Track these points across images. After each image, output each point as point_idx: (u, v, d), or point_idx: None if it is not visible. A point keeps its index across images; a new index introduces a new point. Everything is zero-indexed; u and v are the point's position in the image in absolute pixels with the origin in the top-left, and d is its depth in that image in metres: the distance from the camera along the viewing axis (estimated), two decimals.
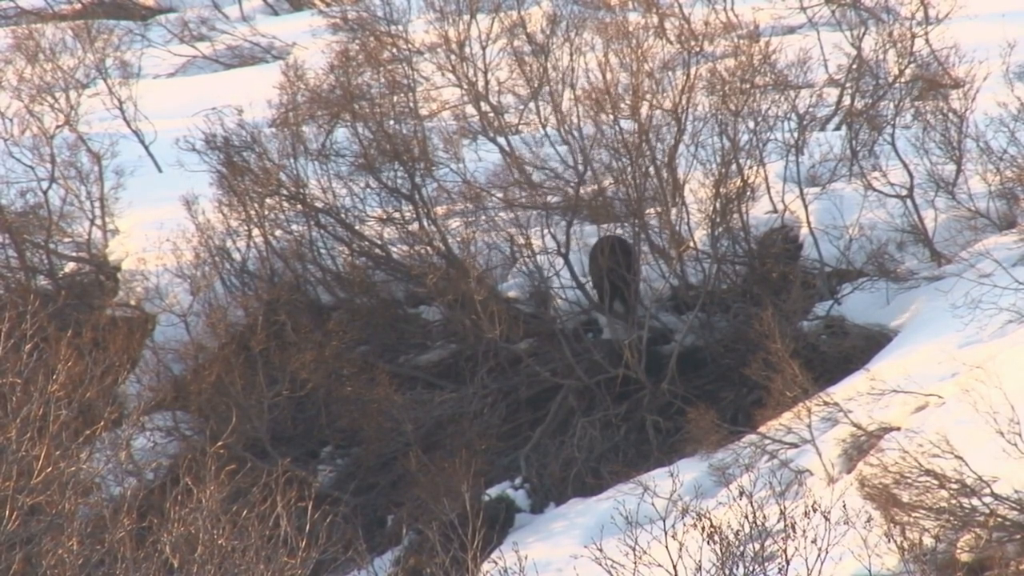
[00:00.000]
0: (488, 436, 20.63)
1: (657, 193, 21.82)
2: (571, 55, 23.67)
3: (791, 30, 29.14)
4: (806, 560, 12.14)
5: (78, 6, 40.02)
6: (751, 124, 21.49)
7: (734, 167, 21.50)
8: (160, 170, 26.50)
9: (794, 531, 12.24)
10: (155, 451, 20.25)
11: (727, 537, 12.15)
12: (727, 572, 12.06)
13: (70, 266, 24.26)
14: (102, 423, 14.84)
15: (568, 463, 20.39)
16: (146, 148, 26.99)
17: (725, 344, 21.14)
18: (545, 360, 21.49)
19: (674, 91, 21.65)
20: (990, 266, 18.28)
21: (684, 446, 19.37)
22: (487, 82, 25.31)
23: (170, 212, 23.02)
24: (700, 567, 12.07)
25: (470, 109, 25.59)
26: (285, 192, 22.62)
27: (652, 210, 21.94)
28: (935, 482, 14.15)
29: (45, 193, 24.15)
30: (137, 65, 28.97)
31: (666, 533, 12.14)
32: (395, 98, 24.32)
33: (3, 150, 24.96)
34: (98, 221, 24.27)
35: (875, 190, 21.05)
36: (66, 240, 24.29)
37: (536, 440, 20.88)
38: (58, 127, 25.87)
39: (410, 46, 26.85)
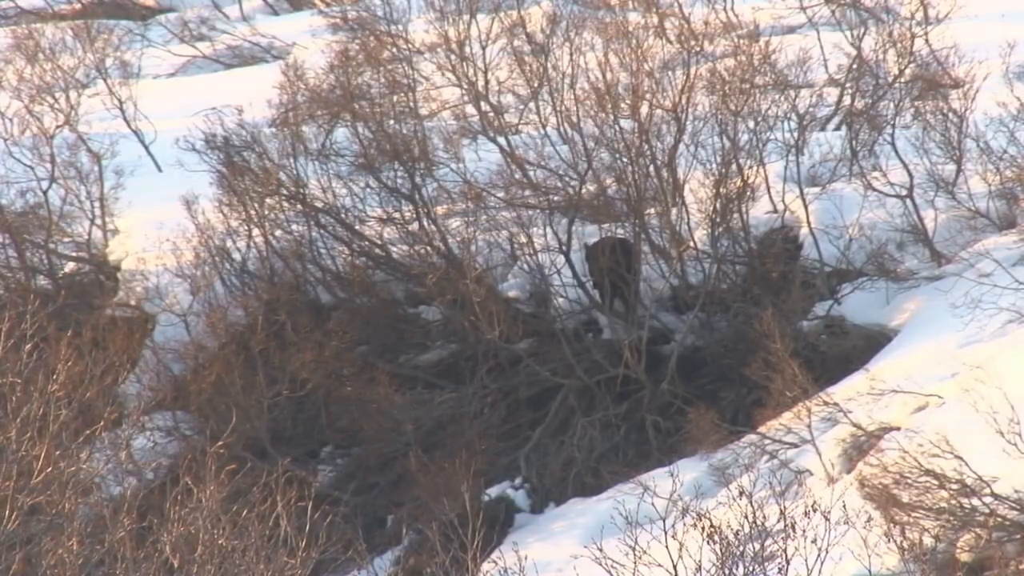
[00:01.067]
0: (488, 436, 20.63)
1: (657, 193, 21.82)
2: (571, 55, 23.66)
3: (791, 30, 29.13)
4: (806, 560, 12.14)
5: (78, 6, 39.98)
6: (751, 124, 21.49)
7: (734, 167, 21.50)
8: (160, 170, 26.49)
9: (794, 531, 12.25)
10: (155, 451, 20.25)
11: (727, 537, 12.16)
12: (727, 572, 12.07)
13: (70, 266, 24.26)
14: (102, 423, 14.83)
15: (568, 463, 20.39)
16: (146, 148, 26.97)
17: (725, 344, 21.14)
18: (545, 360, 21.49)
19: (674, 91, 21.65)
20: (990, 266, 18.28)
21: (684, 446, 19.37)
22: (487, 82, 25.30)
23: (170, 212, 23.01)
24: (700, 567, 12.08)
25: (470, 109, 25.58)
26: (285, 192, 22.63)
27: (652, 210, 21.95)
28: (935, 482, 14.15)
29: (45, 193, 24.15)
30: (137, 65, 28.95)
31: (666, 533, 12.14)
32: (395, 98, 24.32)
33: (3, 150, 24.95)
34: (98, 221, 24.27)
35: (875, 190, 21.04)
36: (66, 240, 24.29)
37: (536, 440, 20.88)
38: (58, 127, 25.85)
39: (410, 46, 26.84)
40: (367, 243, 22.68)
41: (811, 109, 22.07)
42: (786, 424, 17.75)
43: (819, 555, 12.12)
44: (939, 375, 16.86)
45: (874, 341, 19.60)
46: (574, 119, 22.44)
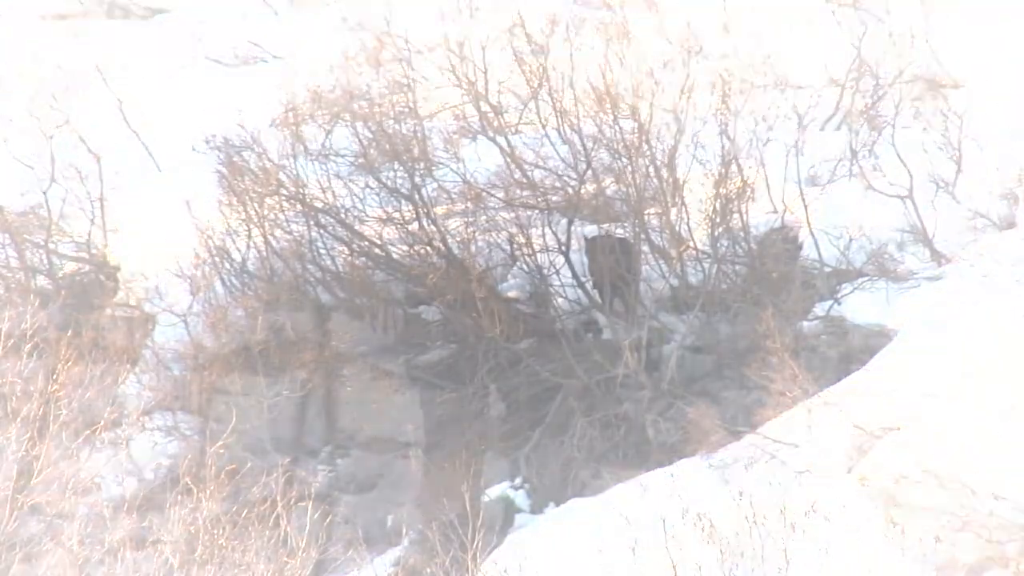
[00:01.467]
0: (488, 436, 20.63)
1: (657, 193, 21.82)
2: (571, 55, 23.65)
3: (791, 30, 29.12)
4: (806, 560, 12.15)
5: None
6: (751, 124, 21.49)
7: (734, 167, 21.50)
8: (160, 170, 26.48)
9: (794, 531, 12.26)
10: (155, 451, 20.25)
11: (727, 537, 12.17)
12: (727, 572, 12.08)
13: (70, 266, 24.25)
14: (102, 423, 14.84)
15: (568, 463, 20.38)
16: (146, 148, 26.96)
17: (725, 344, 21.13)
18: (545, 360, 21.48)
19: (674, 91, 21.66)
20: (990, 266, 18.28)
21: (684, 446, 19.36)
22: (487, 82, 25.30)
23: (170, 212, 23.02)
24: (700, 567, 12.09)
25: (470, 109, 25.57)
26: (285, 192, 22.61)
27: (652, 210, 21.94)
28: (935, 482, 14.15)
29: (45, 193, 24.15)
30: (137, 65, 28.94)
31: (666, 533, 12.15)
32: (395, 98, 24.32)
33: (3, 150, 24.95)
34: (98, 221, 24.26)
35: (875, 190, 21.05)
36: (66, 240, 24.29)
37: (536, 440, 20.87)
38: (58, 127, 25.84)
39: (410, 46, 26.84)
40: (367, 243, 22.67)
41: (811, 109, 22.07)
42: (786, 424, 17.75)
43: (819, 555, 12.13)
44: (939, 375, 16.86)
45: (874, 341, 19.60)
46: (574, 119, 22.44)
